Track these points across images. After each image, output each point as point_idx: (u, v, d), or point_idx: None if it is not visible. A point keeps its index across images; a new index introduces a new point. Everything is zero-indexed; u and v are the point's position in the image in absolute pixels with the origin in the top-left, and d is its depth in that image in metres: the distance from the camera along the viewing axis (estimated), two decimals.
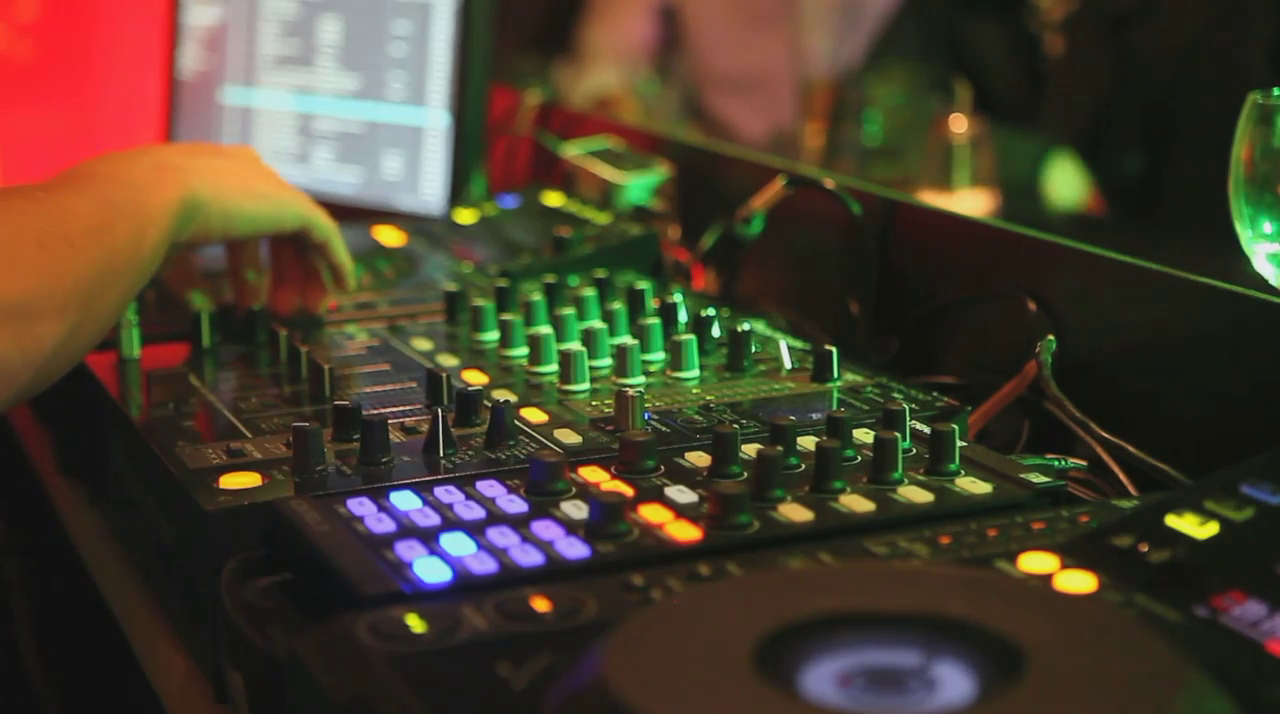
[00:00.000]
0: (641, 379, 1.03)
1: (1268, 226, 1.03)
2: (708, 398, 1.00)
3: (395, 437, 0.92)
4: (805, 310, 1.24)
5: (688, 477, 0.86)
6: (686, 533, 0.78)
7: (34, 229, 0.87)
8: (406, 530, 0.79)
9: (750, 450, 0.87)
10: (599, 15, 3.55)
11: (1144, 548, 0.72)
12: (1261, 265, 1.04)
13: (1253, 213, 1.04)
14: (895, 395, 1.00)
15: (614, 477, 0.86)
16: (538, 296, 1.16)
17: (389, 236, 1.45)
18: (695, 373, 1.05)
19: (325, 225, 1.14)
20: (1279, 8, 2.41)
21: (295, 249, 1.17)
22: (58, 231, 0.88)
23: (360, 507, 0.82)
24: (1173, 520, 0.73)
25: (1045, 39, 2.61)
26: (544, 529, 0.79)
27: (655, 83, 3.07)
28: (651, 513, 0.81)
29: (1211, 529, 0.72)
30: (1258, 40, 2.36)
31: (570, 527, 0.79)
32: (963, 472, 0.86)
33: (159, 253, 0.97)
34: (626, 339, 1.05)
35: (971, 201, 2.16)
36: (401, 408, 0.99)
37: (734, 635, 0.60)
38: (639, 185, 1.48)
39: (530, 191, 1.53)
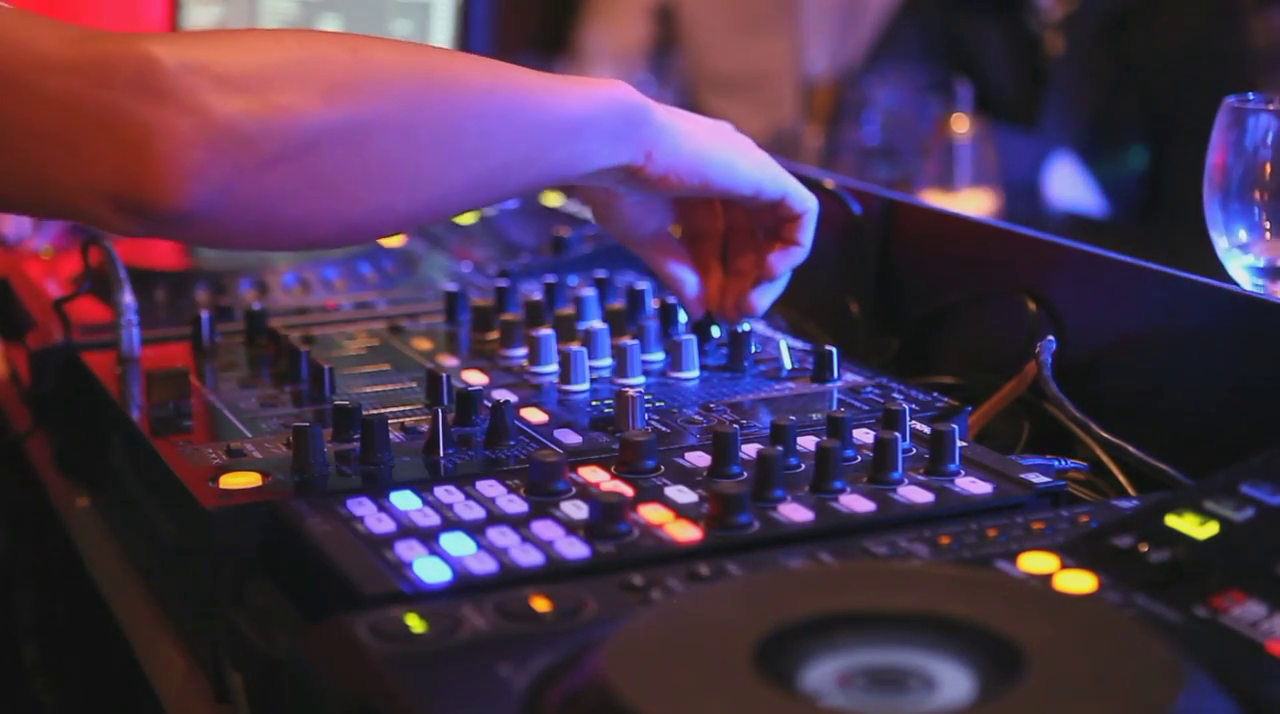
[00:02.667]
0: (641, 379, 1.03)
1: (1243, 234, 1.03)
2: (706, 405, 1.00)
3: (395, 436, 0.92)
4: (805, 310, 1.24)
5: (688, 477, 0.86)
6: (686, 533, 0.78)
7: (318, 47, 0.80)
8: (406, 530, 0.79)
9: (750, 450, 0.87)
10: (597, 15, 3.55)
11: (1144, 548, 0.72)
12: (1237, 274, 1.04)
13: (1228, 220, 1.03)
14: (895, 395, 1.00)
15: (614, 477, 0.86)
16: (537, 296, 1.16)
17: (389, 236, 1.45)
18: (695, 373, 1.05)
19: (806, 194, 1.00)
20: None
21: (748, 230, 1.04)
22: (349, 42, 0.81)
23: (360, 507, 0.82)
24: (1173, 520, 0.73)
25: (1045, 39, 2.61)
26: (544, 529, 0.79)
27: (653, 83, 3.07)
28: (651, 513, 0.81)
29: (1211, 529, 0.72)
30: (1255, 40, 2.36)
31: (570, 527, 0.79)
32: (963, 472, 0.86)
33: (572, 138, 0.88)
34: (626, 339, 1.05)
35: (972, 201, 2.15)
36: (401, 408, 0.99)
37: (734, 635, 0.60)
38: None
39: None
